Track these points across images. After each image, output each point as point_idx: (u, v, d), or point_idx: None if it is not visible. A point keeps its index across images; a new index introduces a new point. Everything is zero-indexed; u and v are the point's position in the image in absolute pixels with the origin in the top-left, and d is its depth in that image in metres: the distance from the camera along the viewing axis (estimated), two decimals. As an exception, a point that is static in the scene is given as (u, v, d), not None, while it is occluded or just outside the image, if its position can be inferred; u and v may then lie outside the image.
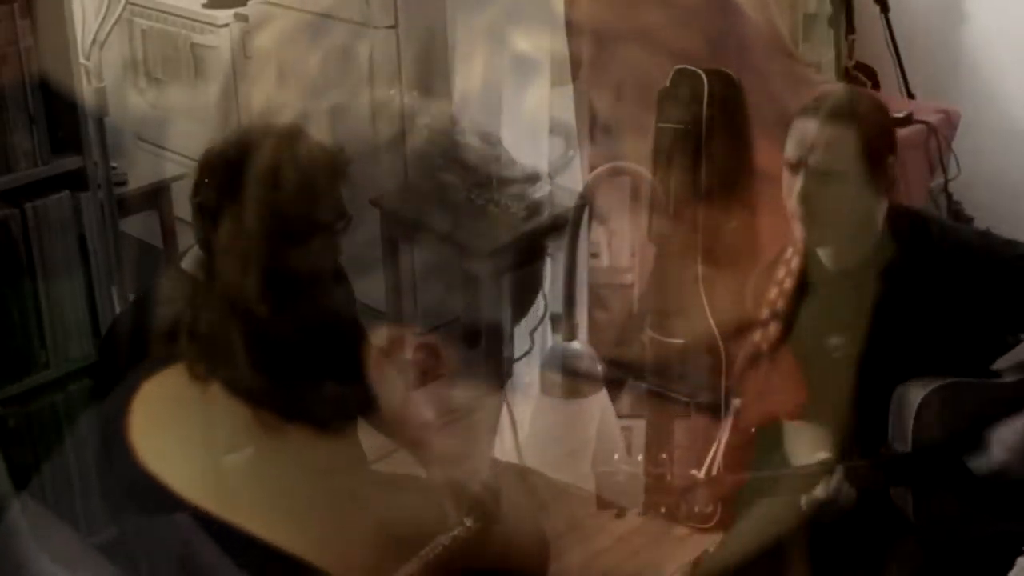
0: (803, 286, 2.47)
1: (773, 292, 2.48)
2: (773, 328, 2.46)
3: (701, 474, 2.37)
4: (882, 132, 2.39)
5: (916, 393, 2.35)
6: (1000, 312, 2.42)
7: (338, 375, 2.35)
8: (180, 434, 2.16)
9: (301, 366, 2.25)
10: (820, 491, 2.30)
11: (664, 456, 2.39)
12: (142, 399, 2.11)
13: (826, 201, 2.35)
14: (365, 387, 2.41)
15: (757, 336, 2.47)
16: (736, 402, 2.44)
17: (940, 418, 2.34)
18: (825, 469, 2.32)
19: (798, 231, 2.41)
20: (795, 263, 2.48)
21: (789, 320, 2.47)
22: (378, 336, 2.49)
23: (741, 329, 2.59)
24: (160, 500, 2.10)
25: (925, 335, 2.38)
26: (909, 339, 2.38)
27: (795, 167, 2.36)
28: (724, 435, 2.41)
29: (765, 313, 2.48)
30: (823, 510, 2.33)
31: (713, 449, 2.38)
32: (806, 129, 2.36)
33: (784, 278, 2.47)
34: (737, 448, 2.44)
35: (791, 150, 2.38)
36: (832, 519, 2.33)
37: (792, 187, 2.37)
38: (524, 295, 3.78)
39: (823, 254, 2.47)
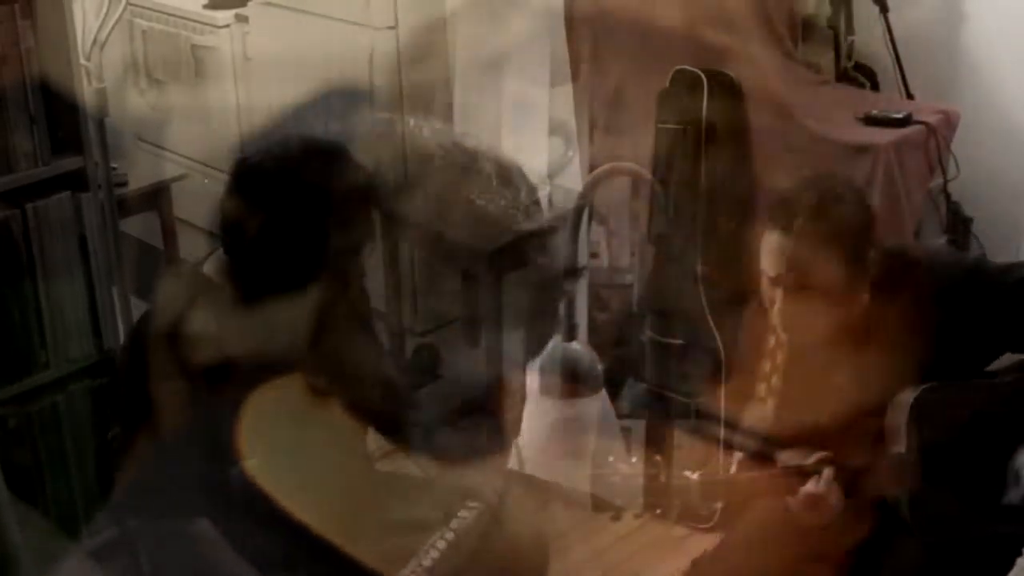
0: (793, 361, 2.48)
1: (770, 341, 2.48)
2: (775, 380, 2.47)
3: (695, 476, 2.37)
4: (860, 234, 2.33)
5: (910, 393, 2.35)
6: (1004, 340, 2.41)
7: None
8: (294, 444, 2.15)
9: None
10: (811, 487, 2.30)
11: (659, 458, 2.38)
12: (254, 408, 2.10)
13: (808, 309, 2.33)
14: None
15: (762, 391, 2.48)
16: (738, 455, 2.45)
17: (934, 418, 2.34)
18: (818, 468, 2.32)
19: (780, 335, 2.41)
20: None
21: (791, 370, 2.47)
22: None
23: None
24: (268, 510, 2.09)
25: (919, 364, 2.36)
26: (904, 366, 2.37)
27: (771, 280, 2.34)
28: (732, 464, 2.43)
29: (767, 369, 2.49)
30: (814, 508, 2.33)
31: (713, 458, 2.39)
32: (776, 244, 2.32)
33: (775, 349, 2.49)
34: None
35: (765, 263, 2.34)
36: (825, 518, 2.33)
37: (771, 297, 2.35)
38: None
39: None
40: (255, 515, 2.14)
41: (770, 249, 2.33)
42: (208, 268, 2.32)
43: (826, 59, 3.77)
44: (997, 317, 2.37)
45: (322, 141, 2.33)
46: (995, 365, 2.46)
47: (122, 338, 2.97)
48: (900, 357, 2.34)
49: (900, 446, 2.35)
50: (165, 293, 2.49)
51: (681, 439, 3.22)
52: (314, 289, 2.19)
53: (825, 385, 2.41)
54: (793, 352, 2.47)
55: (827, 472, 2.31)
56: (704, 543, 3.14)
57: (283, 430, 2.16)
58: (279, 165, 2.22)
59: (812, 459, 2.34)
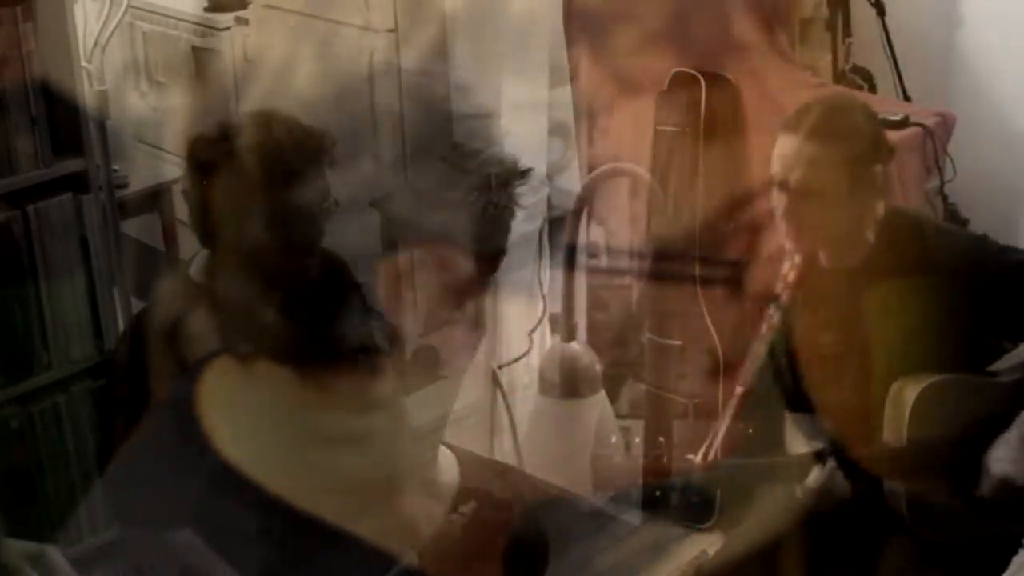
0: (803, 281, 2.49)
1: (778, 286, 2.49)
2: (776, 320, 2.47)
3: (698, 458, 2.37)
4: (867, 144, 2.38)
5: (912, 388, 2.36)
6: (994, 319, 2.42)
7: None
8: (247, 419, 2.16)
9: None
10: (813, 479, 2.32)
11: (661, 440, 2.40)
12: (201, 397, 2.11)
13: (809, 217, 2.36)
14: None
15: (763, 328, 2.48)
16: (738, 390, 2.45)
17: (934, 413, 2.35)
18: (819, 459, 2.33)
19: (787, 244, 2.42)
20: (797, 259, 2.49)
21: (792, 317, 2.48)
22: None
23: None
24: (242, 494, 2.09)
25: (920, 336, 2.39)
26: (904, 340, 2.39)
27: (779, 184, 2.37)
28: (724, 424, 2.42)
29: (770, 309, 2.49)
30: (817, 499, 2.34)
31: (711, 436, 2.40)
32: (786, 147, 2.36)
33: (788, 271, 2.49)
34: (736, 436, 2.45)
35: (774, 167, 2.38)
36: (826, 509, 2.34)
37: (778, 202, 2.38)
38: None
39: (820, 254, 2.49)
40: (235, 502, 2.15)
41: (779, 152, 2.37)
42: (194, 269, 2.34)
43: (823, 61, 3.78)
44: (994, 296, 2.39)
45: (264, 108, 2.36)
46: (994, 365, 2.48)
47: (123, 339, 2.98)
48: (901, 314, 2.37)
49: (899, 439, 2.36)
50: (154, 297, 2.52)
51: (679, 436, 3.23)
52: (278, 254, 2.20)
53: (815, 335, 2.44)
54: (796, 297, 2.48)
55: (830, 463, 2.32)
56: (703, 543, 3.16)
57: (250, 413, 2.15)
58: (218, 132, 2.26)
59: (814, 450, 2.35)
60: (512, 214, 2.94)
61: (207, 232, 2.28)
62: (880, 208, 2.42)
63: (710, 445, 2.40)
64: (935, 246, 2.43)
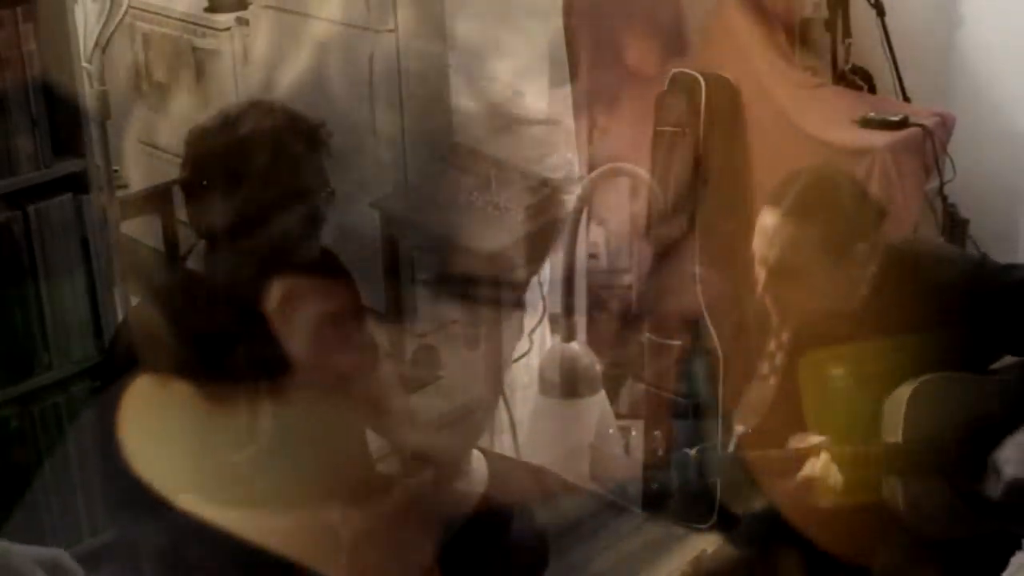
0: (797, 343, 2.49)
1: (771, 344, 2.50)
2: (779, 359, 2.48)
3: (693, 452, 2.37)
4: (849, 222, 2.34)
5: (908, 385, 2.36)
6: (999, 338, 2.42)
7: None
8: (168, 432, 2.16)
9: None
10: (808, 470, 2.31)
11: (658, 433, 2.40)
12: (131, 400, 2.12)
13: (790, 294, 2.35)
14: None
15: (765, 370, 2.49)
16: (739, 429, 2.46)
17: (931, 410, 2.35)
18: (815, 452, 2.33)
19: (772, 318, 2.43)
20: (785, 336, 2.50)
21: (795, 359, 2.48)
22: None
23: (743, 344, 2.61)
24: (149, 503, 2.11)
25: (930, 365, 2.38)
26: (907, 364, 2.38)
27: (759, 261, 2.36)
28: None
29: (772, 347, 2.50)
30: (812, 491, 2.33)
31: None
32: (766, 223, 2.34)
33: (775, 350, 2.51)
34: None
35: (755, 241, 2.37)
36: (822, 502, 2.34)
37: (759, 277, 2.38)
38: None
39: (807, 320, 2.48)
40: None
41: (760, 227, 2.36)
42: (192, 260, 2.35)
43: (823, 62, 3.78)
44: (996, 317, 2.38)
45: (262, 98, 2.40)
46: (995, 364, 2.48)
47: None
48: (900, 351, 2.35)
49: (896, 436, 2.35)
50: (151, 288, 2.54)
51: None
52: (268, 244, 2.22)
53: (824, 372, 2.43)
54: (795, 335, 2.47)
55: (824, 456, 2.31)
56: (702, 543, 3.16)
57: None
58: (218, 120, 2.27)
59: (812, 442, 2.34)
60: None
61: (205, 222, 2.28)
62: (874, 265, 2.38)
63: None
64: (938, 273, 2.41)
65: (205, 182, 2.24)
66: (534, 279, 3.67)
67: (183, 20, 4.80)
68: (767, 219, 2.35)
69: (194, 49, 4.76)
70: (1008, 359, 2.46)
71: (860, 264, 2.36)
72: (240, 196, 2.19)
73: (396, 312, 3.75)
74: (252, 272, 2.21)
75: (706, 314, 3.46)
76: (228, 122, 2.25)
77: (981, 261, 2.49)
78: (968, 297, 2.38)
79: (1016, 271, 2.46)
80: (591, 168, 3.83)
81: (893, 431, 2.35)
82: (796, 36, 3.74)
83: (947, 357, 2.37)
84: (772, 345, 2.49)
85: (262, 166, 2.20)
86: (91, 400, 2.91)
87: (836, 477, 2.31)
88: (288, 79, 3.79)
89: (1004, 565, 2.52)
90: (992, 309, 2.38)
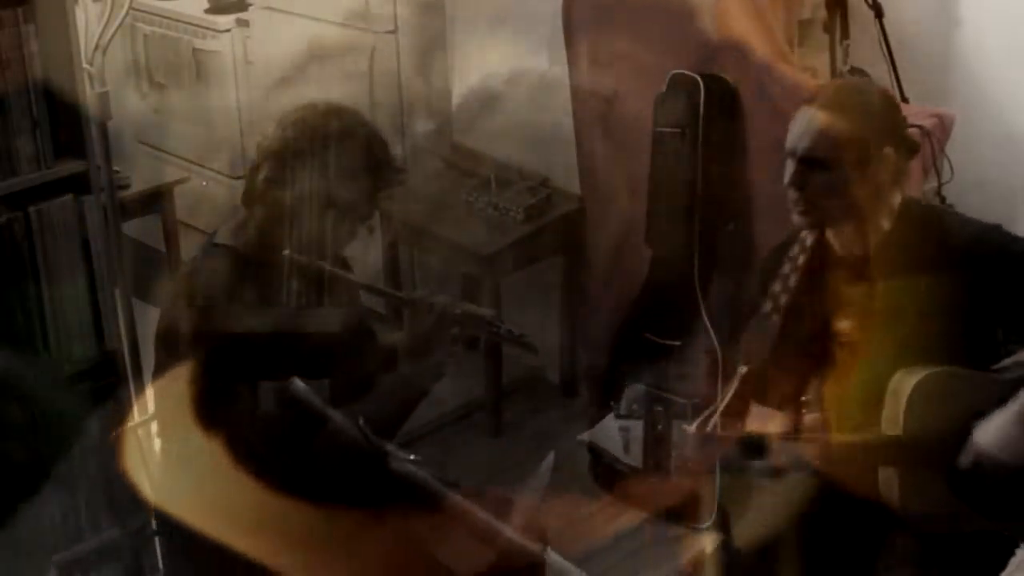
0: (815, 269, 2.51)
1: (786, 268, 2.51)
2: (784, 301, 2.49)
3: (693, 428, 2.39)
4: (878, 124, 2.42)
5: (910, 378, 2.37)
6: (1001, 308, 2.43)
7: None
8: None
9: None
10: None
11: (660, 409, 2.41)
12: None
13: (814, 186, 2.40)
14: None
15: (767, 308, 2.50)
16: (742, 369, 2.46)
17: (932, 404, 2.36)
18: (816, 438, 2.35)
19: (794, 217, 2.45)
20: (809, 242, 2.51)
21: (799, 299, 2.50)
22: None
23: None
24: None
25: (927, 328, 2.39)
26: (912, 332, 2.40)
27: (790, 153, 2.42)
28: (724, 400, 2.43)
29: (777, 288, 2.51)
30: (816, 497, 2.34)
31: (710, 409, 2.40)
32: (800, 117, 2.43)
33: (798, 255, 2.51)
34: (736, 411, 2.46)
35: (789, 137, 2.44)
36: (822, 491, 2.34)
37: (788, 170, 2.42)
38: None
39: (831, 238, 2.51)
40: None
41: (794, 122, 2.44)
42: (220, 236, 2.49)
43: (822, 63, 3.78)
44: (1004, 283, 2.41)
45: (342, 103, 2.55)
46: (996, 365, 2.48)
47: (124, 340, 2.99)
48: (911, 306, 2.40)
49: (896, 429, 2.37)
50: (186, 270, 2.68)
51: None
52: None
53: (827, 322, 2.47)
54: (802, 276, 2.50)
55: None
56: (701, 543, 3.17)
57: None
58: (315, 117, 2.45)
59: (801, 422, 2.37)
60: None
61: (263, 186, 2.43)
62: (896, 198, 2.44)
63: (708, 416, 2.41)
64: (950, 233, 2.46)
65: (292, 153, 2.40)
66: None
67: (184, 21, 4.82)
68: (802, 114, 2.43)
69: (195, 50, 4.77)
70: (1010, 359, 2.47)
71: (886, 171, 2.40)
72: (316, 180, 2.38)
73: (396, 315, 3.76)
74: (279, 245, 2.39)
75: (705, 315, 3.47)
76: (335, 112, 2.44)
77: (995, 226, 2.53)
78: (981, 255, 2.42)
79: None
80: (590, 169, 3.84)
81: (894, 424, 2.36)
82: (795, 37, 3.74)
83: (951, 345, 2.38)
84: (776, 285, 2.50)
85: (355, 160, 2.41)
86: (91, 400, 2.93)
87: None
88: (288, 80, 3.80)
89: (1003, 564, 2.53)
90: (1000, 275, 2.41)
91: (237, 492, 2.13)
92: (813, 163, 2.39)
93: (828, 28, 3.76)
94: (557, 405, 4.03)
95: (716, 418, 2.39)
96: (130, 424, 2.64)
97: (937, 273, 2.39)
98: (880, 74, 3.71)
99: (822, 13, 3.76)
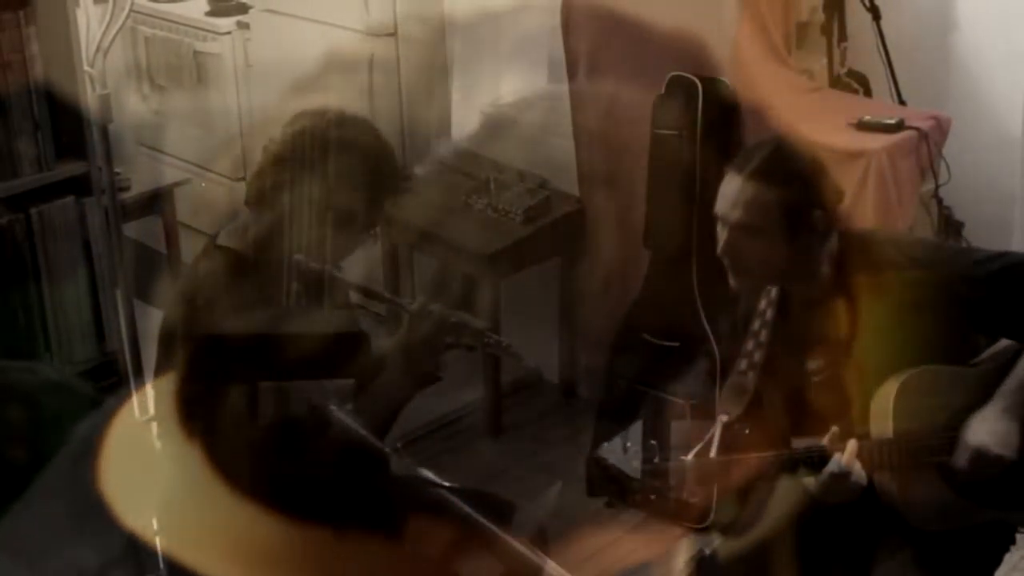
0: (782, 320, 2.52)
1: (756, 324, 2.53)
2: (758, 356, 2.51)
3: (690, 456, 2.39)
4: (806, 189, 2.41)
5: (895, 379, 2.39)
6: (963, 317, 2.44)
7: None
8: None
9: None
10: (832, 467, 2.33)
11: (654, 443, 2.40)
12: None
13: (745, 253, 2.40)
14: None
15: (743, 366, 2.52)
16: (723, 418, 2.48)
17: (918, 403, 2.38)
18: (824, 451, 2.35)
19: (730, 281, 2.46)
20: (774, 294, 2.53)
21: (772, 347, 2.51)
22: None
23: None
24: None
25: (898, 345, 2.41)
26: (884, 352, 2.41)
27: (720, 219, 2.42)
28: (715, 440, 2.44)
29: (750, 347, 2.53)
30: (834, 488, 2.35)
31: (706, 438, 2.41)
32: (728, 185, 2.42)
33: (766, 309, 2.53)
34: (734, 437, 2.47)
35: (717, 203, 2.44)
36: (842, 498, 2.35)
37: (720, 238, 2.43)
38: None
39: (788, 287, 2.52)
40: None
41: (723, 190, 2.44)
42: (221, 239, 2.47)
43: (819, 65, 3.79)
44: (958, 297, 2.41)
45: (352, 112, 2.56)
46: (975, 359, 2.50)
47: (125, 341, 2.99)
48: (881, 345, 2.40)
49: (886, 432, 2.38)
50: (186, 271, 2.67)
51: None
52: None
53: (801, 366, 2.48)
54: (772, 332, 2.51)
55: (851, 445, 2.34)
56: (701, 542, 3.17)
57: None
58: (319, 123, 2.43)
59: (827, 437, 2.36)
60: None
61: (269, 189, 2.42)
62: (834, 244, 2.44)
63: (705, 445, 2.42)
64: (893, 261, 2.45)
65: (299, 157, 2.40)
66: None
67: (184, 24, 4.83)
68: (730, 182, 2.42)
69: (195, 53, 4.78)
70: (987, 352, 2.49)
71: (819, 231, 2.41)
72: (325, 184, 2.37)
73: (395, 316, 3.77)
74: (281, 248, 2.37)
75: (703, 317, 3.48)
76: (331, 125, 2.42)
77: (939, 243, 2.55)
78: (928, 274, 2.41)
79: (971, 254, 2.53)
80: (589, 169, 3.85)
81: (883, 427, 2.38)
82: (793, 40, 3.75)
83: (927, 349, 2.40)
84: (749, 344, 2.52)
85: (365, 170, 2.40)
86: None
87: (860, 472, 2.34)
88: (289, 84, 3.81)
89: (998, 559, 2.54)
90: (951, 288, 2.41)
91: (237, 495, 2.13)
92: (744, 230, 2.39)
93: (826, 30, 3.77)
94: (556, 406, 4.04)
95: (714, 446, 2.40)
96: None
97: (891, 293, 2.39)
98: (877, 76, 3.72)
99: (820, 15, 3.78)
